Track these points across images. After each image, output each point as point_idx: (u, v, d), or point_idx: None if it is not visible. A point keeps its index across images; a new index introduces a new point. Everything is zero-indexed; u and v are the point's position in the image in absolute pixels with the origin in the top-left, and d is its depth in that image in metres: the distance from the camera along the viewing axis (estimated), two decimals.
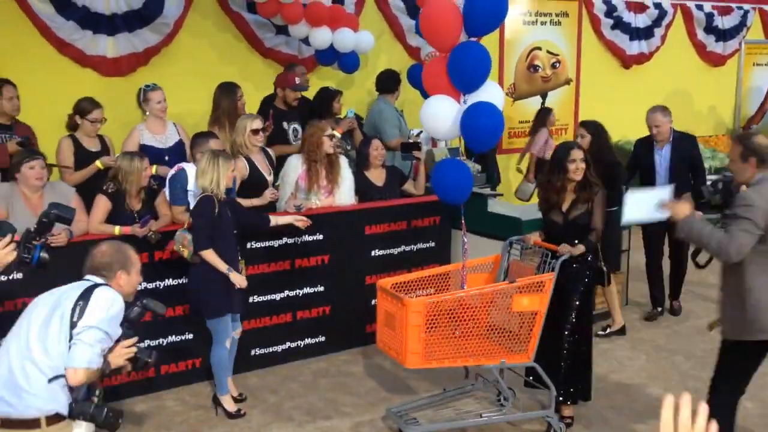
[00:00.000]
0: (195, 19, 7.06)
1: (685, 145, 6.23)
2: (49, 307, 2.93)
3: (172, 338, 4.98)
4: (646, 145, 6.31)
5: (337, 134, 5.72)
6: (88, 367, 2.82)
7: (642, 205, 4.17)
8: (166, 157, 5.43)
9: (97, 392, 2.99)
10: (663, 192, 4.16)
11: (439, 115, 4.47)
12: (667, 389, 5.07)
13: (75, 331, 2.84)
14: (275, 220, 5.01)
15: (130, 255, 3.22)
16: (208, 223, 4.45)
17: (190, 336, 5.06)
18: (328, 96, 6.69)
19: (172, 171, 4.98)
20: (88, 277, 3.11)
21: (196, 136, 5.17)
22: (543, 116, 8.31)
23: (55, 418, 2.81)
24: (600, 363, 5.32)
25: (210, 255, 4.47)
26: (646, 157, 6.28)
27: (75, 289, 2.99)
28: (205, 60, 7.11)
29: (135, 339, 3.06)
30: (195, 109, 6.49)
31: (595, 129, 5.82)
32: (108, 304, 2.93)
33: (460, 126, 4.42)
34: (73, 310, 2.87)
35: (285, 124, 6.41)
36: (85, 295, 2.92)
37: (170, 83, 6.35)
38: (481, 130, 4.44)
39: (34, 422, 2.78)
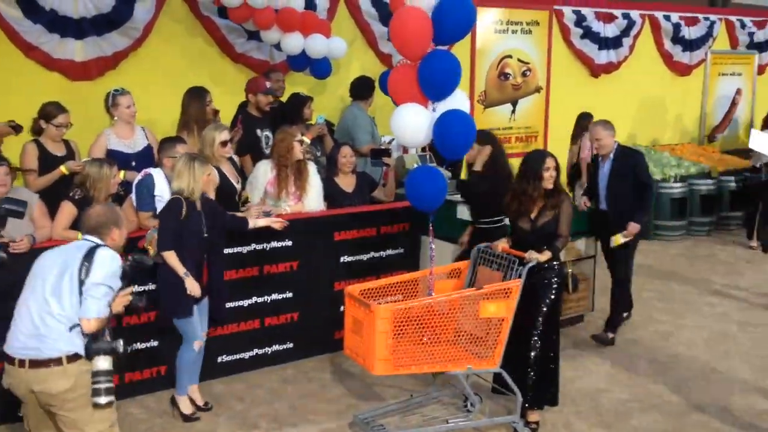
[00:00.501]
0: (165, 23, 7.02)
1: (626, 160, 5.95)
2: (58, 268, 3.48)
3: (137, 345, 4.93)
4: (596, 158, 6.30)
5: (307, 140, 5.72)
6: (98, 317, 3.43)
7: None
8: (133, 163, 5.39)
9: (107, 332, 3.51)
10: None
11: (411, 123, 4.49)
12: (632, 395, 5.14)
13: (84, 288, 3.42)
14: (253, 223, 5.02)
15: (120, 213, 3.83)
16: (173, 224, 4.45)
17: (156, 343, 5.01)
18: (298, 102, 6.69)
19: (139, 176, 4.94)
20: (86, 237, 3.64)
21: (164, 141, 5.15)
22: (584, 122, 8.55)
23: (73, 358, 3.40)
24: (566, 369, 5.37)
25: (170, 257, 4.46)
26: (594, 171, 6.21)
27: (79, 249, 3.53)
28: (176, 65, 7.07)
29: (131, 288, 3.67)
30: (165, 114, 6.45)
31: (491, 139, 5.49)
32: (109, 263, 3.49)
33: (433, 134, 4.46)
34: (80, 269, 3.44)
35: (258, 132, 6.39)
36: (89, 256, 3.48)
37: (140, 88, 6.31)
38: (454, 138, 4.49)
39: (57, 361, 3.37)
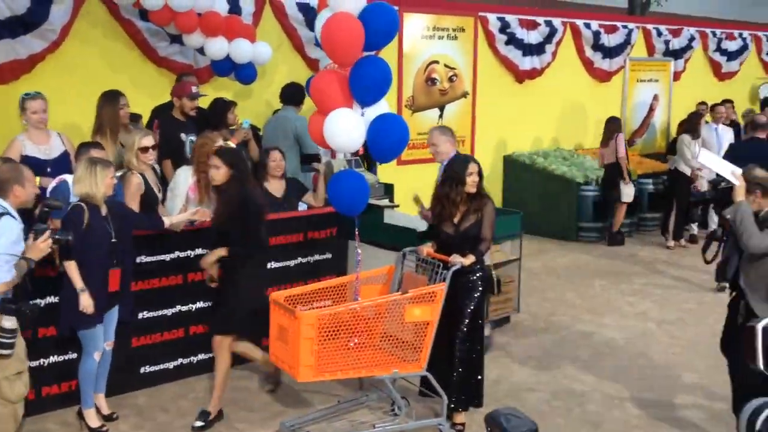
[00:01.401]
0: (83, 26, 6.84)
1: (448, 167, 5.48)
2: None
3: (53, 358, 4.77)
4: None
5: (232, 145, 5.64)
6: (2, 282, 3.75)
7: (716, 160, 4.54)
8: (48, 169, 5.22)
9: (10, 293, 3.81)
10: (734, 167, 4.46)
11: (345, 128, 4.48)
12: (554, 393, 5.26)
13: None
14: (169, 220, 4.93)
15: (23, 170, 4.05)
16: (74, 233, 4.30)
17: (74, 355, 4.84)
18: (221, 107, 6.60)
19: (54, 183, 4.80)
20: None
21: (81, 146, 5.01)
22: (613, 125, 9.63)
23: None
24: (492, 369, 5.46)
25: (70, 267, 4.32)
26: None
27: None
28: (95, 69, 6.89)
29: (48, 232, 3.88)
30: (84, 119, 6.27)
31: (232, 159, 4.74)
32: (7, 233, 3.78)
33: (367, 138, 4.48)
34: None
35: (183, 136, 6.28)
36: None
37: (58, 92, 6.12)
38: (388, 142, 4.54)
39: None
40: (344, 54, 4.46)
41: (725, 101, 10.07)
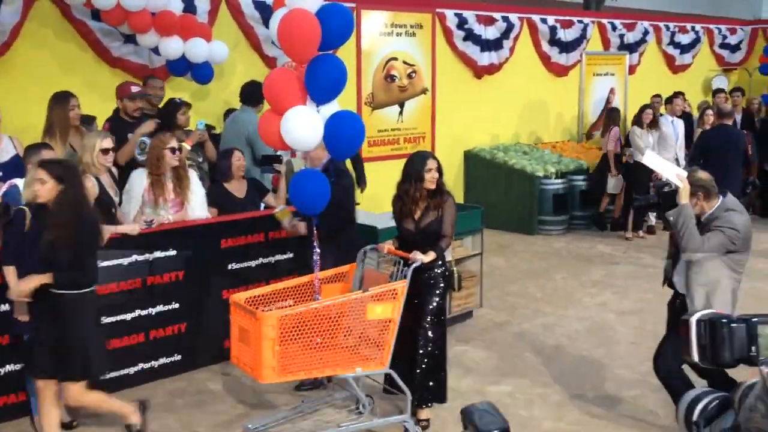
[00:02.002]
0: (34, 26, 6.69)
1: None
2: None
3: (9, 368, 4.67)
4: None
5: (187, 146, 5.59)
6: None
7: (661, 162, 4.62)
8: (0, 173, 5.11)
9: None
10: (679, 170, 4.54)
11: (304, 127, 4.46)
12: (517, 386, 5.31)
13: None
14: (107, 230, 4.78)
15: None
16: (15, 238, 4.22)
17: None
18: (171, 108, 6.51)
19: (4, 187, 4.69)
20: None
21: (29, 148, 4.92)
22: (613, 116, 10.08)
23: None
24: (455, 365, 5.50)
25: (8, 273, 4.23)
26: None
27: None
28: (47, 71, 6.75)
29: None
30: (37, 121, 6.10)
31: (62, 172, 4.08)
32: None
33: (324, 135, 4.47)
34: None
35: (130, 137, 6.18)
36: None
37: (8, 95, 6.01)
38: (344, 139, 4.54)
39: None
40: (301, 51, 4.44)
41: (678, 93, 10.26)
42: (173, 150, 5.32)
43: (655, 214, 9.88)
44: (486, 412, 1.39)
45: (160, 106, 6.72)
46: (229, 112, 7.46)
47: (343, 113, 4.52)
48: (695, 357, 1.61)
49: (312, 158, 5.14)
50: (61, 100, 5.70)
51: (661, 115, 10.05)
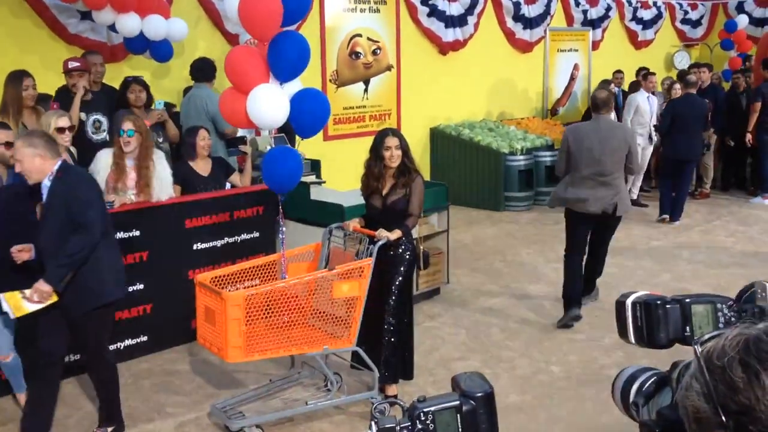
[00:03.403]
0: None
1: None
2: None
3: None
4: None
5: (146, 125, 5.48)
6: None
7: None
8: None
9: None
10: None
11: (271, 105, 4.41)
12: (484, 360, 5.37)
13: None
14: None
15: None
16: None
17: None
18: (122, 86, 6.40)
19: None
20: None
21: None
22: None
23: None
24: (423, 341, 5.54)
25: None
26: None
27: None
28: (2, 48, 6.57)
29: None
30: None
31: None
32: None
33: (290, 113, 4.44)
34: None
35: (83, 115, 6.05)
36: None
37: None
38: (309, 117, 4.53)
39: None
40: (263, 28, 4.39)
41: (650, 71, 10.52)
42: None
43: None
44: (472, 377, 1.43)
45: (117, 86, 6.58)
46: (189, 90, 7.36)
47: (309, 91, 4.50)
48: (631, 338, 1.64)
49: (26, 171, 3.96)
50: (15, 79, 5.55)
51: (638, 90, 10.15)
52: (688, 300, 1.59)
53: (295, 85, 4.46)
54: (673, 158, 9.27)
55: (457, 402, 1.35)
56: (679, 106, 9.24)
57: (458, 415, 1.35)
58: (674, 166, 9.27)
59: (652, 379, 1.59)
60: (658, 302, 1.60)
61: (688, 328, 1.57)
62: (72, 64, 6.09)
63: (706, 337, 1.20)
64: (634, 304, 1.63)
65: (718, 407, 1.07)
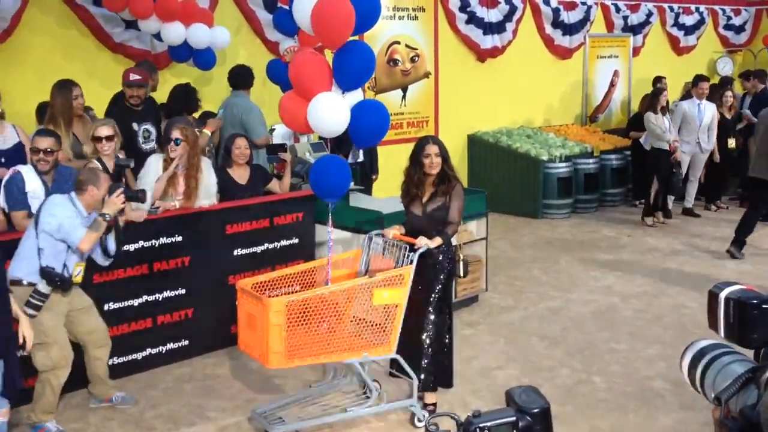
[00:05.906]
0: (35, 14, 6.67)
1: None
2: None
3: None
4: None
5: (207, 132, 5.57)
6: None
7: None
8: (2, 159, 5.10)
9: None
10: None
11: (332, 113, 4.44)
12: (523, 370, 5.32)
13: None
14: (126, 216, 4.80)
15: (100, 175, 4.46)
16: None
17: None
18: (191, 92, 6.50)
19: (8, 174, 4.68)
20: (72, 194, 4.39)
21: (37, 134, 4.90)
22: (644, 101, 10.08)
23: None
24: (462, 349, 5.51)
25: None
26: None
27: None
28: (48, 57, 6.74)
29: (121, 188, 4.40)
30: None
31: None
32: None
33: (350, 123, 4.48)
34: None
35: (135, 125, 6.16)
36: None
37: (9, 82, 5.98)
38: (370, 128, 4.59)
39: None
40: (336, 36, 4.41)
41: (704, 77, 9.99)
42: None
43: (673, 197, 9.77)
44: (527, 392, 1.41)
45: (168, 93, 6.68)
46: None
47: (369, 102, 4.55)
48: (722, 333, 1.57)
49: None
50: (63, 88, 5.66)
51: (690, 97, 9.86)
52: None
53: (356, 95, 4.48)
54: None
55: (514, 418, 1.33)
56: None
57: (515, 431, 1.33)
58: None
59: (742, 379, 1.49)
60: (754, 302, 1.51)
61: None
62: (133, 77, 6.17)
63: None
64: (727, 299, 1.55)
65: None
